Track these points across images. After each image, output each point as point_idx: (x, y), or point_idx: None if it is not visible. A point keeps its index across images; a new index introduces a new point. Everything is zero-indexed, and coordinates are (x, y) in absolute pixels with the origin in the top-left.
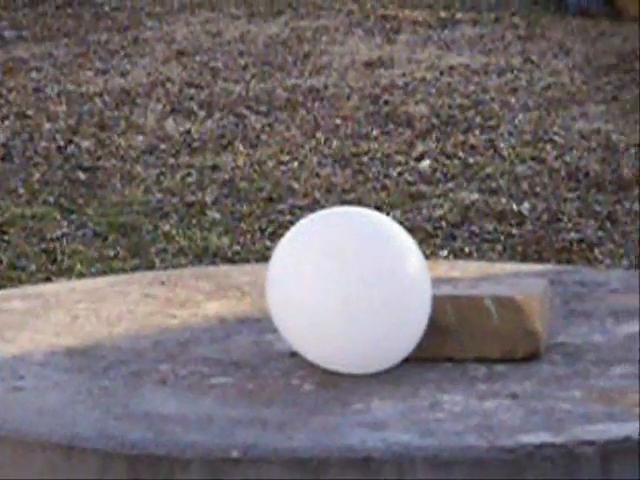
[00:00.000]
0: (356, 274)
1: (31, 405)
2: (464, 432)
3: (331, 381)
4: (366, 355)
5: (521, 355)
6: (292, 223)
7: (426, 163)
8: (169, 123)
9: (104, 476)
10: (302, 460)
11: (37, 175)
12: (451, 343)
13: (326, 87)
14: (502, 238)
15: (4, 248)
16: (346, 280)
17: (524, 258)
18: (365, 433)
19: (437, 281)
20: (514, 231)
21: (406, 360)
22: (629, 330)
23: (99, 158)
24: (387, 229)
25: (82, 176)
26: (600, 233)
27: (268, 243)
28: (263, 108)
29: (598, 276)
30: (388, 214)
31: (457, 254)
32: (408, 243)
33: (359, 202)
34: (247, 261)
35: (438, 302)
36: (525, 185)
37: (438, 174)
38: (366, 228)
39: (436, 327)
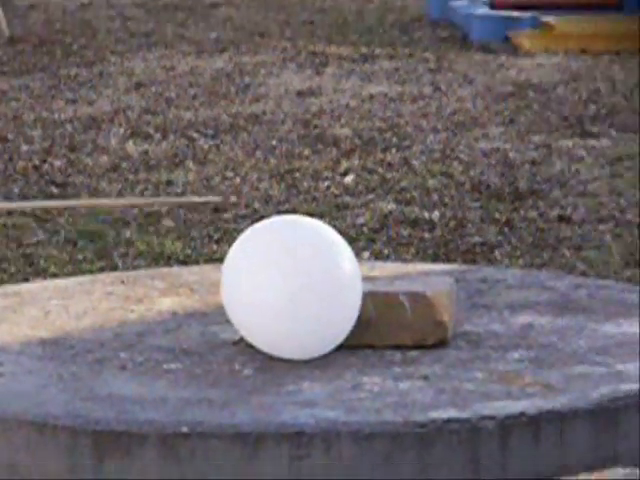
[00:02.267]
0: (300, 274)
1: (9, 388)
2: (382, 409)
3: (267, 366)
4: (305, 343)
5: (431, 342)
6: (236, 230)
7: (350, 178)
8: (129, 145)
9: (72, 450)
10: (243, 434)
11: (16, 190)
12: (370, 333)
13: (264, 113)
14: (415, 242)
15: None
16: (291, 280)
17: (434, 259)
18: (297, 411)
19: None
20: (426, 235)
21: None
22: (523, 320)
23: (69, 175)
24: (325, 235)
25: (55, 190)
26: (499, 237)
27: (215, 247)
28: (210, 131)
29: (497, 274)
30: None
31: (377, 256)
32: (343, 247)
33: (293, 211)
34: (197, 263)
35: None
36: (435, 196)
37: (360, 187)
38: (308, 233)
39: (358, 319)
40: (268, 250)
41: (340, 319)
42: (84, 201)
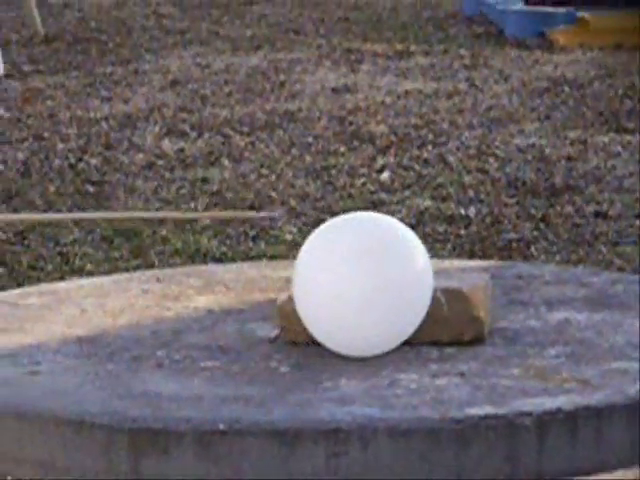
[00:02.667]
0: (373, 276)
1: (46, 387)
2: (419, 405)
3: (304, 364)
4: (375, 340)
5: (468, 339)
6: (272, 228)
7: (386, 174)
8: (165, 143)
9: (109, 448)
10: (280, 431)
11: (52, 188)
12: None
13: (300, 110)
14: (452, 238)
15: (24, 252)
16: (367, 277)
17: (471, 255)
18: (334, 407)
19: None
20: (462, 232)
21: None
22: (560, 317)
23: (105, 173)
24: (400, 232)
25: (91, 189)
26: (535, 233)
27: (251, 245)
28: (246, 129)
29: (533, 270)
30: None
31: None
32: (417, 246)
33: (329, 209)
34: (233, 261)
35: None
36: (471, 192)
37: (396, 184)
38: (381, 232)
39: None
40: (343, 247)
41: (411, 315)
42: (118, 213)
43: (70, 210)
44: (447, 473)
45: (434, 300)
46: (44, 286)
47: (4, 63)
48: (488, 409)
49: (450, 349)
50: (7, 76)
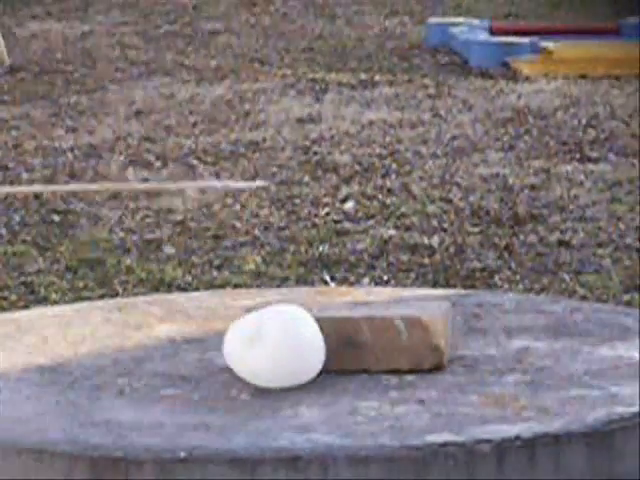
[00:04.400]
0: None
1: (7, 415)
2: (379, 433)
3: (264, 392)
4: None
5: (427, 367)
6: (236, 257)
7: (350, 204)
8: (130, 172)
9: (70, 476)
10: (240, 459)
11: (17, 218)
12: (366, 357)
13: (264, 140)
14: (415, 267)
15: None
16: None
17: (434, 284)
18: (294, 435)
19: (356, 304)
20: (425, 261)
21: (328, 372)
22: (519, 344)
23: (70, 203)
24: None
25: (56, 218)
26: (499, 262)
27: (215, 274)
28: (210, 159)
29: (494, 298)
30: (318, 248)
31: (377, 281)
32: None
33: (293, 239)
34: (198, 289)
35: (356, 322)
36: (435, 222)
37: (360, 213)
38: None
39: (354, 343)
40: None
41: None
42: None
43: (34, 240)
44: None
45: (394, 328)
46: (6, 315)
47: None
48: (447, 436)
49: (410, 377)
50: None
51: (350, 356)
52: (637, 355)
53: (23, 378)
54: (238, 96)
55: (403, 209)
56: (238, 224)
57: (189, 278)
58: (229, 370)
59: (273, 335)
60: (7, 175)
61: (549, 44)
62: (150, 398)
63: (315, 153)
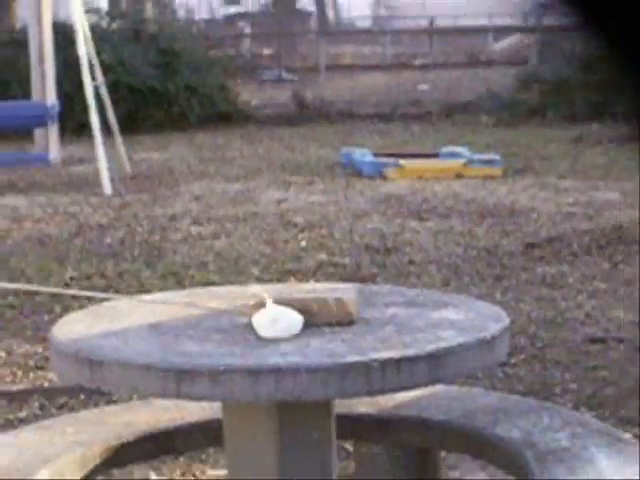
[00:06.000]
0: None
1: (129, 349)
2: (321, 356)
3: (267, 340)
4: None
5: (345, 323)
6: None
7: (303, 242)
8: (192, 228)
9: (164, 383)
10: (251, 370)
11: (135, 254)
12: (315, 319)
13: (258, 212)
14: (337, 274)
15: None
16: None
17: (346, 282)
18: (278, 358)
19: (308, 292)
20: (341, 271)
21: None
22: (392, 312)
23: (161, 244)
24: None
25: (155, 253)
26: (378, 270)
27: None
28: (233, 220)
29: (377, 289)
30: (286, 264)
31: (317, 280)
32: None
33: (274, 261)
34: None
35: (309, 301)
36: (346, 252)
37: (309, 247)
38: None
39: (309, 312)
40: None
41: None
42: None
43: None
44: None
45: (328, 303)
46: (118, 301)
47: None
48: (356, 357)
49: (337, 328)
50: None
51: (307, 319)
52: (454, 317)
53: (136, 332)
54: (246, 188)
55: (330, 244)
56: (247, 253)
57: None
58: (249, 327)
59: (282, 319)
60: (128, 231)
61: (403, 162)
62: (204, 339)
63: (285, 217)
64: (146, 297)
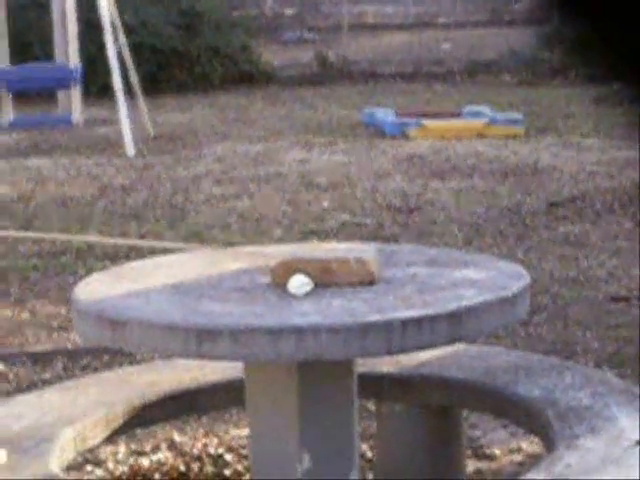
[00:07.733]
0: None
1: (152, 309)
2: (342, 315)
3: (289, 297)
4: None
5: (367, 282)
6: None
7: (325, 203)
8: (214, 188)
9: (186, 341)
10: (270, 329)
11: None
12: (337, 279)
13: (282, 172)
14: (358, 234)
15: None
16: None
17: (368, 241)
18: (299, 317)
19: (329, 251)
20: (363, 231)
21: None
22: (413, 271)
23: (184, 203)
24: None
25: (178, 209)
26: (400, 230)
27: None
28: (255, 181)
29: (398, 248)
30: (309, 225)
31: (339, 241)
32: None
33: (296, 220)
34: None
35: (329, 261)
36: (368, 211)
37: (331, 207)
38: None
39: (330, 271)
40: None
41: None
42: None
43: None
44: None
45: (350, 263)
46: (139, 261)
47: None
48: (377, 317)
49: (358, 288)
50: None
51: (328, 279)
52: (475, 276)
53: (158, 293)
54: (269, 150)
55: (352, 204)
56: (272, 212)
57: None
58: (269, 286)
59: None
60: (151, 192)
61: (425, 121)
62: (226, 299)
63: (307, 177)
64: (167, 257)
